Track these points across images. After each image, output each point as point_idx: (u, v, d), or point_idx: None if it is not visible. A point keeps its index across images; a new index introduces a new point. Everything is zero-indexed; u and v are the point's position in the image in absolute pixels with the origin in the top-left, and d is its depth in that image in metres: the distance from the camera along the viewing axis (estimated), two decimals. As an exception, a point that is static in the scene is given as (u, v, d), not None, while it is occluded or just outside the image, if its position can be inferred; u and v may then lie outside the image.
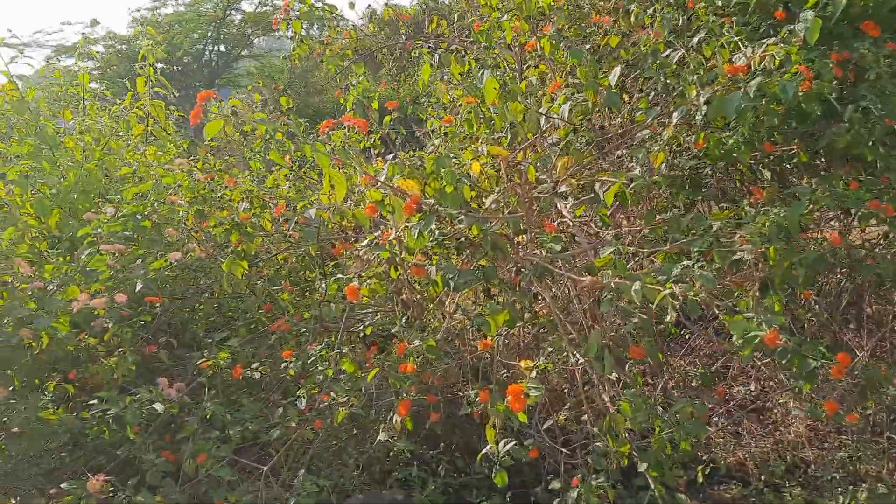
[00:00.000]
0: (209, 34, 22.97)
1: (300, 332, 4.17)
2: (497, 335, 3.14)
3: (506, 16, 3.08)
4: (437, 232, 2.45)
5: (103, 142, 5.51)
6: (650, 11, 2.91)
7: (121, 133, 5.67)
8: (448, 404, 3.63)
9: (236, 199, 3.88)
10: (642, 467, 2.51)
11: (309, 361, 3.38)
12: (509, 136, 2.93)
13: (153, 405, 3.27)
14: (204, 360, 3.48)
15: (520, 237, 2.68)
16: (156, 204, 3.64)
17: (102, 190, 4.85)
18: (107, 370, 3.51)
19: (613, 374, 2.54)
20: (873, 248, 3.03)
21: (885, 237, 3.14)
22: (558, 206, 2.87)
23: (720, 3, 2.85)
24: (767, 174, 3.22)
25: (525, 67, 3.25)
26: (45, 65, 5.71)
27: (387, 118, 3.40)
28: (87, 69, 5.84)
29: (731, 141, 2.77)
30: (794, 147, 3.07)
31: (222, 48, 24.38)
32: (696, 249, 2.37)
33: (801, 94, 2.44)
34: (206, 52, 23.82)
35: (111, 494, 3.28)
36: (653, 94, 2.93)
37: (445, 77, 2.98)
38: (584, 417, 2.72)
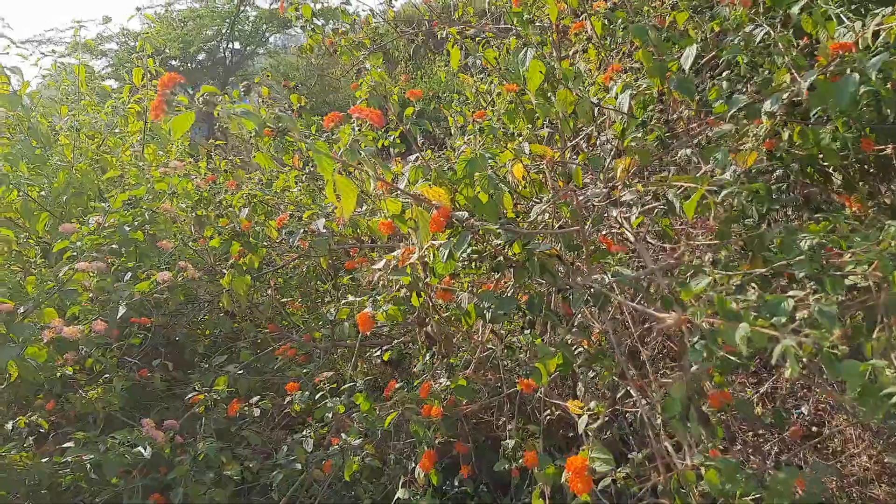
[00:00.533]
0: (223, 31, 22.57)
1: (309, 354, 3.70)
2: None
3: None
4: (469, 250, 1.95)
5: (98, 139, 5.08)
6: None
7: (117, 130, 5.25)
8: (472, 427, 3.15)
9: (237, 205, 3.41)
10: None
11: (317, 397, 2.91)
12: (558, 132, 2.43)
13: (138, 448, 2.81)
14: (195, 393, 3.01)
15: (573, 256, 2.18)
16: (147, 213, 3.16)
17: (97, 192, 4.41)
18: (86, 403, 3.06)
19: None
20: None
21: None
22: (614, 215, 2.36)
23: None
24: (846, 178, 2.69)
25: (572, 52, 2.74)
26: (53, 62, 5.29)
27: (409, 110, 2.90)
28: (85, 63, 5.38)
29: (825, 136, 2.25)
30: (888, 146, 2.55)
31: (237, 45, 23.98)
32: (802, 274, 1.85)
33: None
34: (221, 50, 23.45)
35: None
36: (727, 81, 2.41)
37: (473, 66, 2.47)
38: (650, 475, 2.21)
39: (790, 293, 1.71)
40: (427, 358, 2.42)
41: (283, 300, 4.27)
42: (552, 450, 2.77)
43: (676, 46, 2.41)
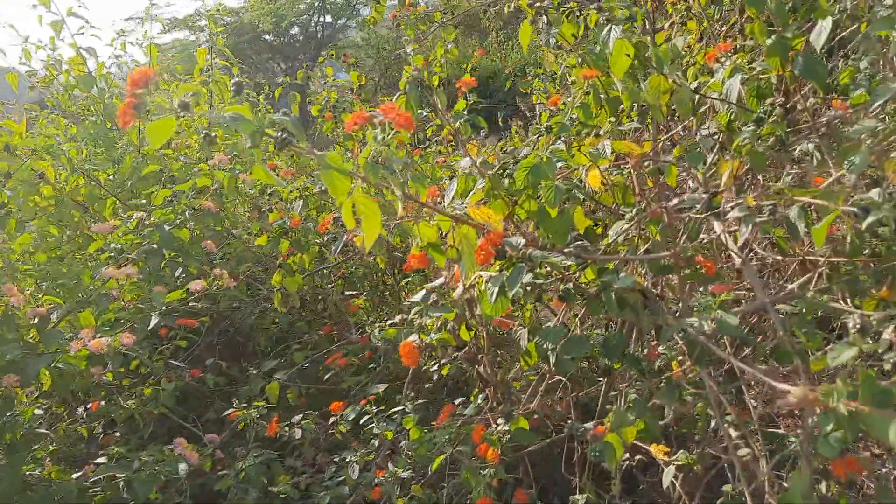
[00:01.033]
0: (315, 4, 22.54)
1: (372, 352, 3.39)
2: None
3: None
4: (529, 276, 1.55)
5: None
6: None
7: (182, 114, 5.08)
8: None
9: (289, 198, 3.13)
10: None
11: (362, 421, 2.60)
12: (645, 124, 1.99)
13: (177, 465, 2.59)
14: (233, 409, 2.76)
15: (662, 284, 1.75)
16: (188, 211, 2.91)
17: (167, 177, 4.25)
18: (124, 412, 2.87)
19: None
20: None
21: None
22: (717, 231, 1.90)
23: None
24: None
25: (668, 25, 2.26)
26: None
27: (459, 105, 2.49)
28: (154, 43, 5.22)
29: None
30: None
31: (328, 18, 23.93)
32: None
33: None
34: (312, 24, 23.48)
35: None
36: (870, 64, 1.89)
37: (547, 43, 2.04)
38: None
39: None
40: (479, 401, 2.07)
41: (347, 294, 3.99)
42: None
43: (802, 19, 1.91)
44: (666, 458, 1.98)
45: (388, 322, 2.44)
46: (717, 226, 1.93)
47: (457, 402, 2.86)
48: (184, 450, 2.55)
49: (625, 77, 1.89)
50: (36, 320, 2.58)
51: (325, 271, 3.74)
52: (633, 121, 2.11)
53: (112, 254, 2.78)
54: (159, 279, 2.91)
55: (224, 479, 2.81)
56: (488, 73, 15.35)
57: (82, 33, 5.00)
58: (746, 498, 1.64)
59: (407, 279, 3.37)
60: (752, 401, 1.76)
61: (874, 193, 1.41)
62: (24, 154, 3.20)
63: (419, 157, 4.02)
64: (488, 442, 1.97)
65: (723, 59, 1.84)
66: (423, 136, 4.09)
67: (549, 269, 1.66)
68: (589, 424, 1.75)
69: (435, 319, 1.95)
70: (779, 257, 2.16)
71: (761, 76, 1.91)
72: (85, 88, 4.86)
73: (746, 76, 1.90)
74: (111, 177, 4.29)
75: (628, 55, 1.75)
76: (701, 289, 2.04)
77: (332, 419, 2.71)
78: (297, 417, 2.73)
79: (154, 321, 2.54)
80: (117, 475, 2.58)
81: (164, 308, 2.60)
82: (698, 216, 1.92)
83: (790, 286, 2.41)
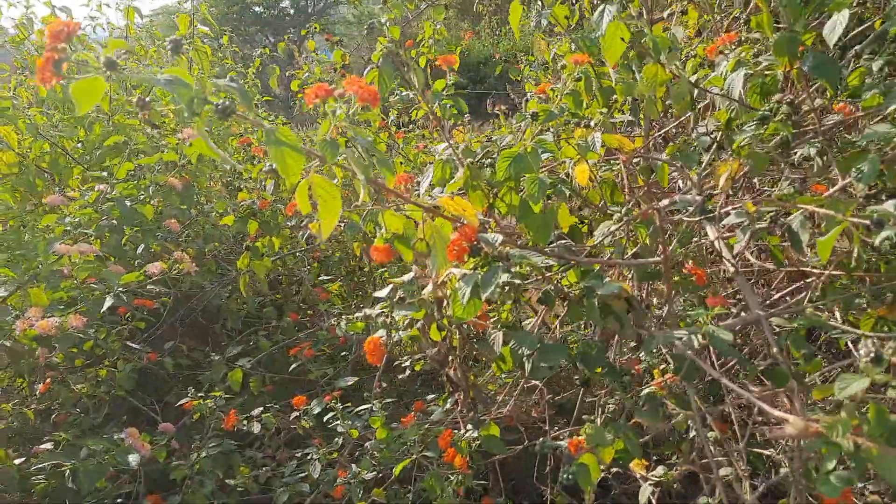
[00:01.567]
0: (306, -24, 22.14)
1: (334, 356, 3.25)
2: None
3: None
4: (506, 276, 1.40)
5: (143, 90, 4.71)
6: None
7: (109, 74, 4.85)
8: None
9: (257, 178, 2.96)
10: None
11: (326, 418, 2.46)
12: (638, 118, 1.85)
13: (127, 456, 2.43)
14: (188, 399, 2.61)
15: (647, 291, 1.61)
16: (151, 188, 2.73)
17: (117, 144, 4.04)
18: (72, 395, 2.71)
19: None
20: None
21: None
22: (710, 236, 1.77)
23: None
24: None
25: (667, 14, 2.12)
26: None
27: (439, 84, 2.31)
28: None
29: None
30: None
31: (319, -8, 23.54)
32: None
33: None
34: (303, -3, 23.09)
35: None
36: (888, 64, 1.75)
37: (538, 26, 1.88)
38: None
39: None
40: (447, 405, 1.93)
41: (322, 279, 3.84)
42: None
43: (814, 12, 1.77)
44: (644, 472, 1.87)
45: (357, 315, 2.29)
46: (711, 231, 1.80)
47: (428, 398, 2.74)
48: (135, 440, 2.39)
49: (619, 66, 1.75)
50: (-19, 295, 2.42)
51: (297, 255, 3.59)
52: (624, 114, 1.97)
53: (68, 228, 2.61)
54: (122, 256, 2.74)
55: (180, 468, 2.67)
56: (479, 59, 15.14)
57: (57, -9, 4.77)
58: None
59: (383, 268, 3.22)
60: (736, 419, 1.64)
61: (889, 205, 1.28)
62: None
63: (402, 141, 3.86)
64: (456, 448, 1.84)
65: (727, 51, 1.70)
66: (407, 118, 3.93)
67: (529, 268, 1.52)
68: (563, 441, 1.62)
69: (403, 317, 1.81)
70: (770, 266, 2.04)
71: (766, 72, 1.77)
72: (55, 50, 4.63)
73: (751, 71, 1.76)
74: (79, 144, 4.10)
75: (623, 39, 1.61)
76: (684, 297, 1.92)
77: (294, 413, 2.56)
78: (258, 410, 2.57)
79: (108, 303, 2.37)
80: (63, 463, 2.43)
81: (119, 289, 2.43)
82: (691, 219, 1.79)
83: (776, 296, 2.30)
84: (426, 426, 2.09)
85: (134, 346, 2.98)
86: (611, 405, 1.69)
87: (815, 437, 1.07)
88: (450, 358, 1.84)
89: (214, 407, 2.54)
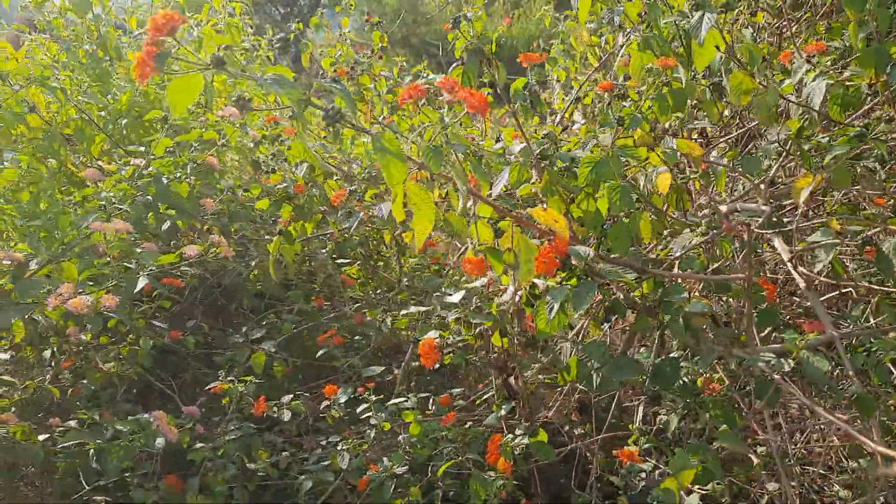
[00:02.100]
0: (321, -57, 21.78)
1: (356, 345, 3.20)
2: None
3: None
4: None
5: (170, 61, 4.60)
6: None
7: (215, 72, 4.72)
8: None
9: (293, 160, 2.89)
10: None
11: (360, 410, 2.42)
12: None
13: (154, 440, 2.39)
14: (218, 383, 2.56)
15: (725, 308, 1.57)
16: (190, 166, 2.66)
17: (161, 119, 3.95)
18: (100, 375, 2.66)
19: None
20: None
21: None
22: (776, 246, 1.73)
23: None
24: None
25: (733, 21, 2.05)
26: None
27: (519, 82, 2.20)
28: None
29: None
30: None
31: (335, -38, 23.16)
32: None
33: None
34: (316, -31, 22.76)
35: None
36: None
37: (617, 21, 1.81)
38: None
39: None
40: (503, 412, 1.89)
41: (339, 262, 3.78)
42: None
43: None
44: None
45: (403, 312, 2.24)
46: (779, 244, 1.75)
47: (454, 391, 2.70)
48: (163, 424, 2.35)
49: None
50: (12, 267, 2.35)
51: (320, 239, 3.54)
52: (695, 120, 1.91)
53: (102, 203, 2.54)
54: (147, 233, 2.68)
55: (199, 450, 2.64)
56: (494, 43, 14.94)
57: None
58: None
59: (414, 258, 3.17)
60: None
61: None
62: (16, 82, 2.93)
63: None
64: (503, 453, 1.81)
65: (813, 61, 1.64)
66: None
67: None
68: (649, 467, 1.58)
69: (458, 318, 1.76)
70: (832, 282, 1.99)
71: (848, 83, 1.71)
72: (80, 13, 4.52)
73: (831, 81, 1.70)
74: (102, 112, 4.02)
75: (717, 47, 1.55)
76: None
77: (325, 402, 2.52)
78: (287, 398, 2.53)
79: (141, 283, 2.32)
80: (88, 443, 2.38)
81: (151, 269, 2.38)
82: (760, 231, 1.74)
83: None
84: (468, 426, 2.05)
85: (158, 324, 2.93)
86: (673, 419, 1.65)
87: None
88: (510, 366, 1.79)
89: (245, 391, 2.48)
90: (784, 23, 2.02)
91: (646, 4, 1.82)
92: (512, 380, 1.84)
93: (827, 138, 1.84)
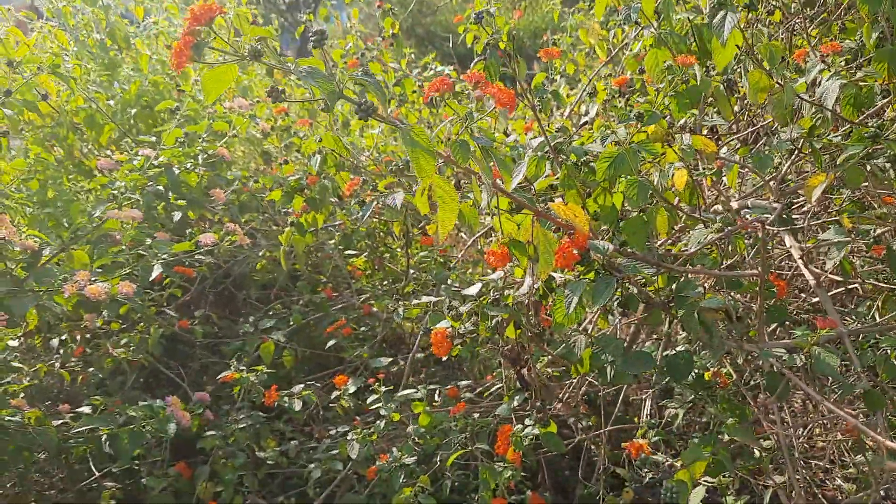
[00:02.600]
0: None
1: (362, 336, 3.23)
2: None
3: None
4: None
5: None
6: None
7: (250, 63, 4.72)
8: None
9: (306, 152, 2.91)
10: None
11: (369, 401, 2.45)
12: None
13: (167, 425, 2.42)
14: (230, 372, 2.59)
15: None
16: (201, 156, 2.68)
17: (169, 109, 3.96)
18: (111, 361, 2.69)
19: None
20: None
21: None
22: (787, 243, 1.75)
23: None
24: None
25: (749, 21, 2.06)
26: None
27: (539, 77, 2.21)
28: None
29: None
30: None
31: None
32: None
33: None
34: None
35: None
36: None
37: (633, 17, 1.82)
38: None
39: None
40: (515, 403, 1.92)
41: (346, 252, 3.80)
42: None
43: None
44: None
45: (414, 302, 2.26)
46: (789, 240, 1.77)
47: (461, 384, 2.73)
48: (176, 409, 2.38)
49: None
50: (26, 254, 2.38)
51: (328, 230, 3.56)
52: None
53: (114, 192, 2.56)
54: (156, 222, 2.70)
55: (209, 438, 2.67)
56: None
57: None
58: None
59: (423, 251, 3.19)
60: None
61: None
62: (28, 70, 2.94)
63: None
64: (514, 443, 1.83)
65: (828, 60, 1.66)
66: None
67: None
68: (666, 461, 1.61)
69: (471, 309, 1.79)
70: (839, 279, 2.02)
71: (861, 83, 1.73)
72: (90, 1, 4.52)
73: (845, 81, 1.72)
74: (110, 101, 4.03)
75: (737, 46, 1.57)
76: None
77: (333, 393, 2.56)
78: (298, 388, 2.56)
79: (156, 271, 2.34)
80: (100, 428, 2.41)
81: (164, 257, 2.40)
82: (769, 227, 1.76)
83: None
84: (474, 416, 2.08)
85: (169, 312, 2.96)
86: (679, 411, 1.68)
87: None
88: (524, 358, 1.82)
89: (256, 381, 2.51)
90: (798, 21, 2.04)
91: (659, 1, 1.84)
92: (525, 371, 1.87)
93: (839, 137, 1.86)
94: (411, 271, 3.35)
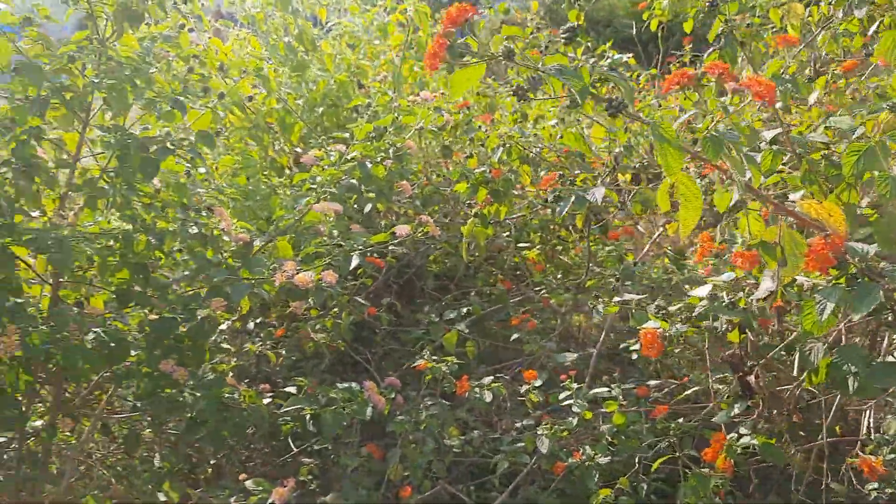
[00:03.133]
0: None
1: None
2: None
3: None
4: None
5: (358, 49, 4.81)
6: None
7: (375, 42, 4.90)
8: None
9: (490, 146, 2.93)
10: None
11: (561, 397, 2.42)
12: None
13: (365, 408, 2.54)
14: (422, 360, 2.66)
15: None
16: (391, 149, 2.77)
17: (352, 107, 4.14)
18: (313, 344, 2.86)
19: None
20: None
21: None
22: None
23: None
24: None
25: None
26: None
27: (774, 64, 2.06)
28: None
29: None
30: None
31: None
32: None
33: None
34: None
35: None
36: None
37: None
38: None
39: None
40: (735, 410, 1.81)
41: (519, 245, 3.80)
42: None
43: None
44: None
45: (616, 299, 2.21)
46: None
47: (650, 383, 2.63)
48: (373, 393, 2.49)
49: None
50: (239, 245, 2.57)
51: (502, 223, 3.57)
52: None
53: (313, 186, 2.72)
54: (346, 216, 2.84)
55: (400, 422, 2.76)
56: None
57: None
58: None
59: (603, 246, 3.12)
60: None
61: None
62: (235, 74, 3.18)
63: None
64: (727, 452, 1.74)
65: None
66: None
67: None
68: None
69: (681, 309, 1.71)
70: None
71: None
72: (282, 7, 4.79)
73: None
74: (299, 101, 4.27)
75: None
76: None
77: (525, 387, 2.56)
78: (488, 379, 2.59)
79: (355, 261, 2.46)
80: (304, 408, 2.57)
81: (360, 248, 2.52)
82: None
83: None
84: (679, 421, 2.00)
85: (360, 300, 3.10)
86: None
87: None
88: (749, 363, 1.71)
89: (448, 371, 2.57)
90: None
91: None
92: (752, 378, 1.75)
93: None
94: (592, 265, 3.28)
